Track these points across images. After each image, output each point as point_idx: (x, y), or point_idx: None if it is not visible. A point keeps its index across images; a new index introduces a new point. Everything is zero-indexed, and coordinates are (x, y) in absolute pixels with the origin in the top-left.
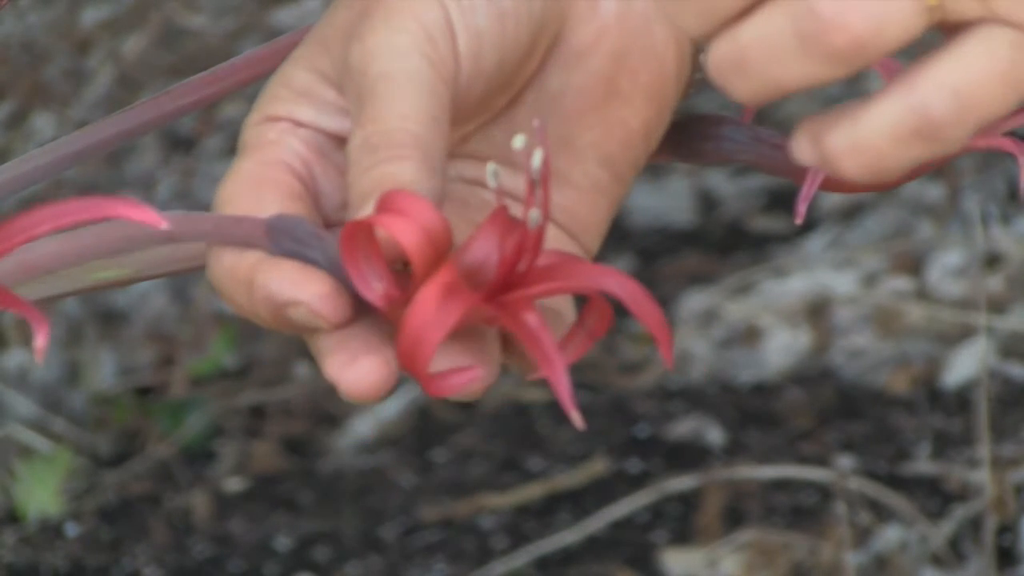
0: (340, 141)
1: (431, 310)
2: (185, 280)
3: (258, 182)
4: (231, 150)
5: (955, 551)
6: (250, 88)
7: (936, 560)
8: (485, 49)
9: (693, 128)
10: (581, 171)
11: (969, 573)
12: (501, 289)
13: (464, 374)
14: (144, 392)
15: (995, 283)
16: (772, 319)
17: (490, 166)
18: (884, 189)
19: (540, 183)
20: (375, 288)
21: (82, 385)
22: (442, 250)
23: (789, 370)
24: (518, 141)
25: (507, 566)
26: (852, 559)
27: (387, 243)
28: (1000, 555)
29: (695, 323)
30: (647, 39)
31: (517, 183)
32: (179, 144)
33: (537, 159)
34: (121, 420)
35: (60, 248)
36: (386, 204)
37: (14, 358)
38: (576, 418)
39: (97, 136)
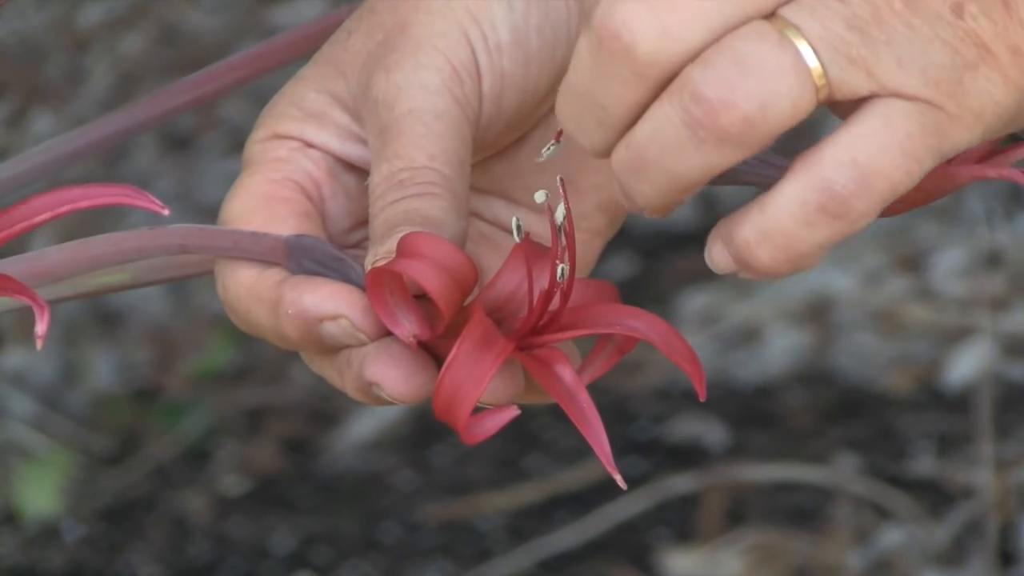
0: (349, 165)
1: (466, 367)
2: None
3: (269, 199)
4: (229, 148)
5: (957, 551)
6: (248, 86)
7: (938, 560)
8: (507, 92)
9: None
10: (580, 214)
11: (971, 573)
12: (532, 332)
13: (499, 416)
14: (143, 392)
15: (997, 282)
16: (773, 319)
17: (515, 220)
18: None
19: (563, 235)
20: (405, 328)
21: (81, 385)
22: (467, 290)
23: (790, 370)
24: (540, 196)
25: (507, 566)
26: (853, 559)
27: (412, 288)
28: (1002, 555)
29: (695, 323)
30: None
31: (514, 216)
32: (177, 142)
33: (560, 215)
34: (120, 420)
35: (72, 255)
36: (408, 248)
37: (13, 358)
38: (620, 481)
39: (95, 135)
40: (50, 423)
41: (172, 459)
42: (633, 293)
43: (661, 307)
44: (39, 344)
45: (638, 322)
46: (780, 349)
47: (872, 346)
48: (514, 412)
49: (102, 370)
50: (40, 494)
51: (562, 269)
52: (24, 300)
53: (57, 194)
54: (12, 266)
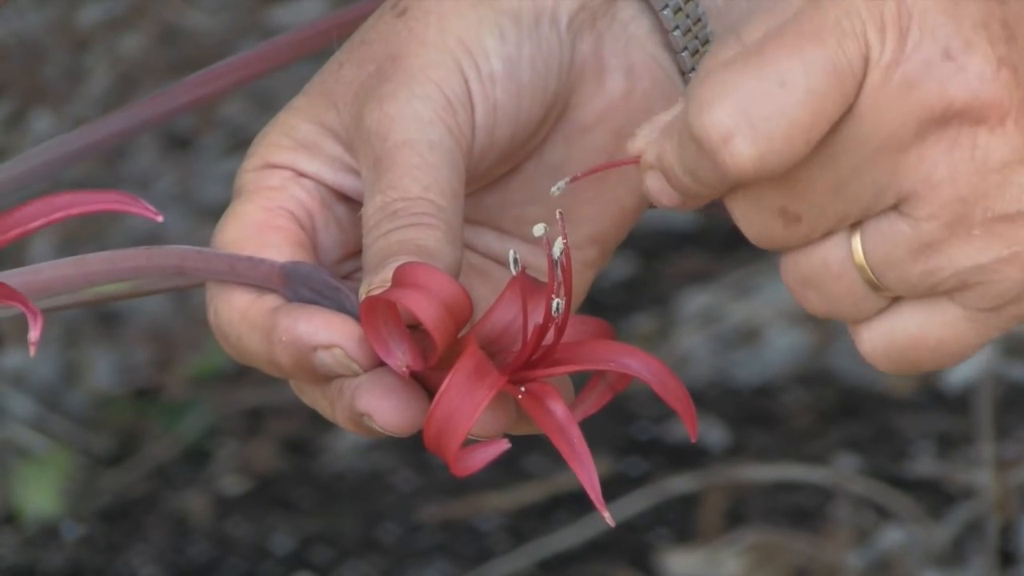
0: (342, 195)
1: (458, 399)
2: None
3: (262, 227)
4: (229, 148)
5: (957, 551)
6: (248, 86)
7: (938, 560)
8: (500, 123)
9: None
10: (573, 244)
11: (971, 573)
12: (526, 366)
13: (489, 449)
14: (142, 392)
15: None
16: (773, 319)
17: (512, 253)
18: None
19: (560, 269)
20: (398, 358)
21: (80, 385)
22: (462, 322)
23: (790, 370)
24: (538, 229)
25: (507, 566)
26: (853, 559)
27: (406, 318)
28: (1002, 555)
29: (695, 323)
30: (648, 119)
31: (506, 247)
32: (176, 142)
33: (557, 249)
34: (119, 420)
35: (68, 272)
36: (403, 278)
37: (12, 358)
38: (608, 518)
39: (95, 135)
40: (50, 423)
41: (172, 459)
42: (633, 293)
43: (661, 307)
44: (32, 351)
45: (632, 360)
46: (780, 349)
47: None
48: (504, 445)
49: (102, 370)
50: (40, 494)
51: (557, 304)
52: (18, 307)
53: (52, 200)
54: (8, 279)
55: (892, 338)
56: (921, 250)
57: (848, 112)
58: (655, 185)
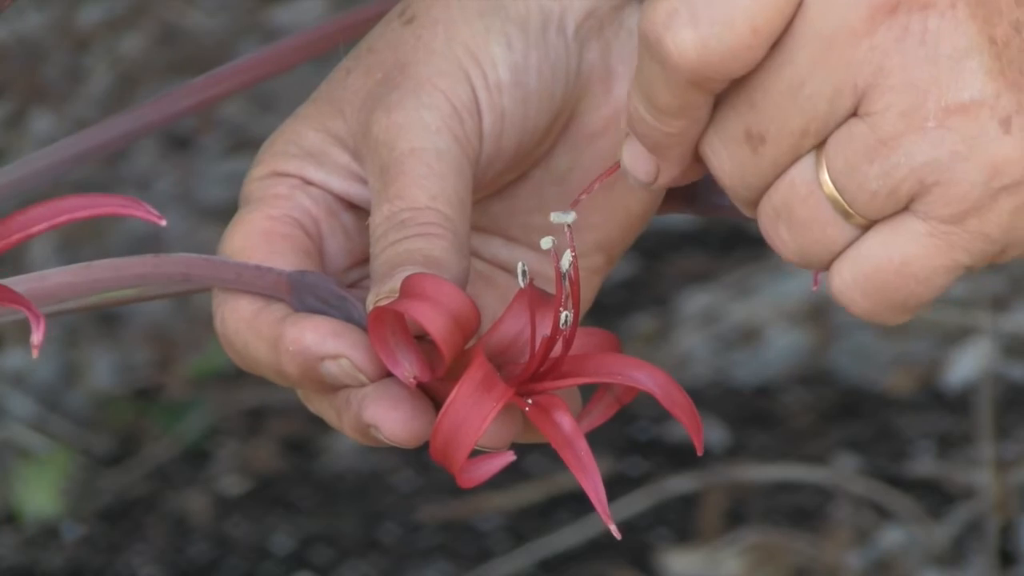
0: (348, 204)
1: (465, 411)
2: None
3: (269, 235)
4: (229, 148)
5: (957, 551)
6: (250, 88)
7: (938, 560)
8: (507, 130)
9: (710, 182)
10: (579, 252)
11: (971, 573)
12: (533, 378)
13: (496, 461)
14: (143, 392)
15: (998, 282)
16: (773, 319)
17: (520, 265)
18: None
19: (568, 281)
20: (405, 369)
21: (80, 386)
22: (469, 333)
23: (790, 370)
24: (546, 242)
25: (507, 566)
26: (853, 559)
27: (414, 329)
28: (1002, 555)
29: (695, 323)
30: None
31: (513, 255)
32: (177, 142)
33: (566, 261)
34: (119, 421)
35: (74, 278)
36: (411, 288)
37: (13, 359)
38: (614, 530)
39: (97, 139)
40: (50, 423)
41: (172, 459)
42: (633, 293)
43: (661, 307)
44: (35, 353)
45: (639, 372)
46: (780, 349)
47: (872, 346)
48: (510, 457)
49: (102, 370)
50: (40, 494)
51: (566, 316)
52: (20, 310)
53: (55, 204)
54: (14, 286)
55: (859, 267)
56: (877, 148)
57: (798, 8)
58: (629, 154)
